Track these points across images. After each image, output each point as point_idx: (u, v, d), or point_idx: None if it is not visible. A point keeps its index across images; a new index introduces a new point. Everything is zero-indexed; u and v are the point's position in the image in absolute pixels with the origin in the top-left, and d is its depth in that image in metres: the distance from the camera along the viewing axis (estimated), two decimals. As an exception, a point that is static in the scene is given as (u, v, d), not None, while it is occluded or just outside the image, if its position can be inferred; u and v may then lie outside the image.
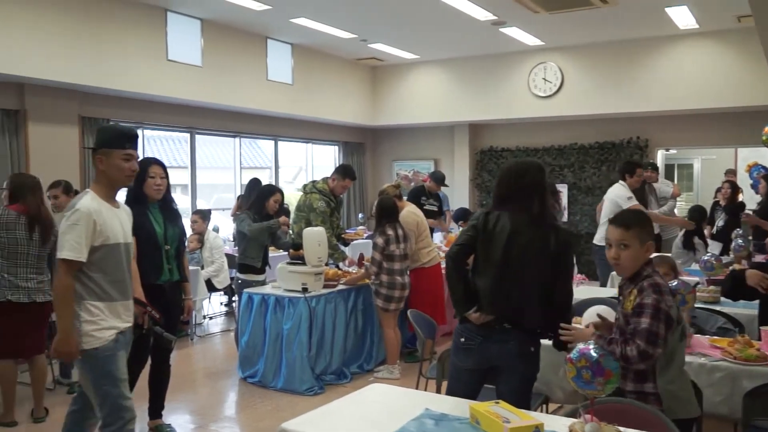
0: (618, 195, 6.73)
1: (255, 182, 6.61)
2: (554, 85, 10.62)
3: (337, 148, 12.67)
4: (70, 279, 3.02)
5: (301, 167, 13.01)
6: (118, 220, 3.21)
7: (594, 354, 2.40)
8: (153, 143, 9.53)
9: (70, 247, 2.99)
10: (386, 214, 5.76)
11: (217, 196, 12.66)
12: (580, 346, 2.44)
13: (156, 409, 4.54)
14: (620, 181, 6.94)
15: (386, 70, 12.17)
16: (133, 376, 4.29)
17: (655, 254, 6.04)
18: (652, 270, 2.73)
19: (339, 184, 6.41)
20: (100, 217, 3.08)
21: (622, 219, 2.78)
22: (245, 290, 5.78)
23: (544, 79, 10.70)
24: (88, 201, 3.10)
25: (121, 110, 8.38)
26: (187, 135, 9.70)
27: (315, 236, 5.54)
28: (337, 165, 11.79)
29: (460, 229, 7.42)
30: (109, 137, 3.19)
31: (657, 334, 2.55)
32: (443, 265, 3.94)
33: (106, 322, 3.12)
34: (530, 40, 9.99)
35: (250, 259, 5.95)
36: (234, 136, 10.49)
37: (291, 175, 13.25)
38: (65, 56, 7.14)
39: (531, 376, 3.23)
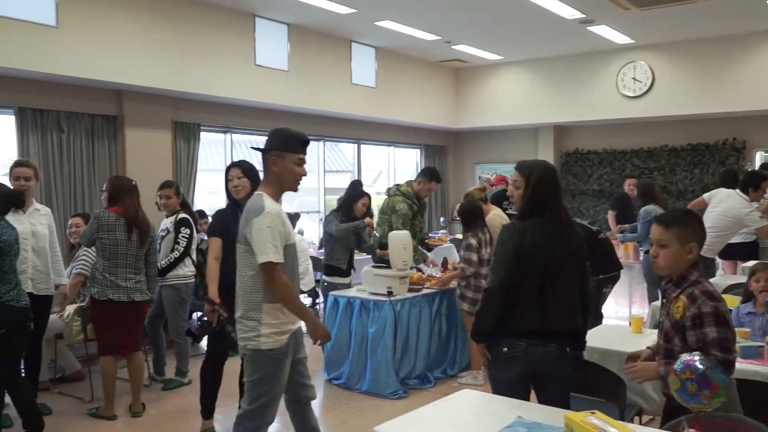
0: (745, 214, 6.03)
1: (355, 184, 6.62)
2: (644, 85, 10.26)
3: (418, 151, 12.66)
4: (283, 277, 3.10)
5: (381, 170, 13.07)
6: (288, 220, 3.27)
7: (700, 366, 2.27)
8: (240, 147, 9.76)
9: (272, 249, 3.04)
10: (475, 216, 5.68)
11: (299, 199, 12.85)
12: (685, 357, 2.32)
13: None
14: (738, 192, 6.21)
15: (469, 72, 12.07)
16: (218, 369, 4.42)
17: (755, 261, 5.75)
18: (699, 275, 2.63)
19: (425, 187, 6.37)
20: (284, 218, 3.16)
21: (664, 217, 2.72)
22: (331, 293, 5.82)
23: (633, 78, 10.36)
24: (271, 202, 3.14)
25: (210, 115, 8.63)
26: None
27: (400, 240, 5.53)
28: (419, 168, 11.82)
29: None
30: (285, 140, 3.18)
31: (728, 339, 2.48)
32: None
33: (285, 326, 3.20)
34: (619, 38, 9.69)
35: (336, 261, 6.00)
36: (318, 140, 10.63)
37: (371, 178, 13.32)
38: (160, 64, 7.42)
39: (571, 378, 3.21)
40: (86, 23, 6.74)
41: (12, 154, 6.83)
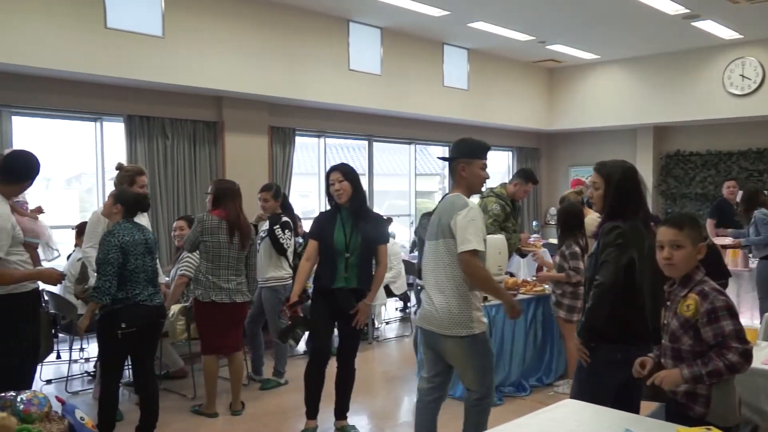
0: None
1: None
2: (753, 82, 9.70)
3: (511, 153, 12.46)
4: (479, 262, 3.46)
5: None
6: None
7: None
8: (333, 151, 9.89)
9: (475, 239, 3.41)
10: (576, 221, 5.52)
11: (389, 202, 12.87)
12: None
13: (341, 410, 4.63)
14: None
15: (564, 72, 11.79)
16: (321, 370, 4.49)
17: None
18: (704, 275, 2.71)
19: (521, 189, 6.23)
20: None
21: (674, 220, 2.76)
22: (425, 296, 5.77)
23: (741, 75, 9.82)
24: (471, 201, 3.53)
25: (305, 120, 8.80)
26: (365, 142, 9.98)
27: (495, 244, 5.43)
28: (511, 171, 11.64)
29: None
30: (472, 148, 3.59)
31: (742, 330, 2.54)
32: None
33: (481, 311, 3.58)
34: (726, 33, 9.20)
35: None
36: (408, 143, 10.65)
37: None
38: (257, 71, 7.63)
39: None
40: (190, 33, 7.02)
41: (121, 159, 7.17)
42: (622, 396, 3.13)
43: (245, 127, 8.03)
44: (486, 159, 3.63)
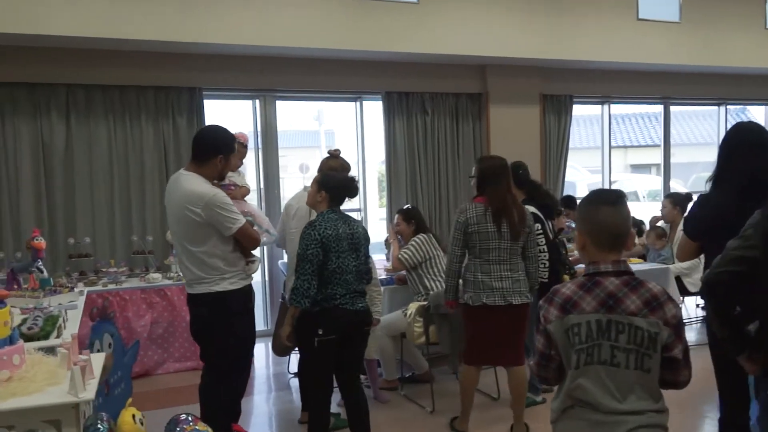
0: None
1: None
2: None
3: None
4: None
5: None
6: None
7: None
8: (618, 121, 8.61)
9: None
10: None
11: (695, 175, 11.15)
12: None
13: None
14: None
15: None
16: None
17: None
18: (587, 272, 2.08)
19: None
20: None
21: None
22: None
23: None
24: None
25: (584, 84, 7.74)
26: (660, 107, 8.51)
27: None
28: None
29: None
30: None
31: (541, 352, 2.11)
32: None
33: None
34: None
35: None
36: (718, 104, 8.91)
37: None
38: (525, 31, 6.81)
39: None
40: (447, -4, 6.41)
41: (380, 138, 6.92)
42: None
43: (513, 96, 7.22)
44: None
